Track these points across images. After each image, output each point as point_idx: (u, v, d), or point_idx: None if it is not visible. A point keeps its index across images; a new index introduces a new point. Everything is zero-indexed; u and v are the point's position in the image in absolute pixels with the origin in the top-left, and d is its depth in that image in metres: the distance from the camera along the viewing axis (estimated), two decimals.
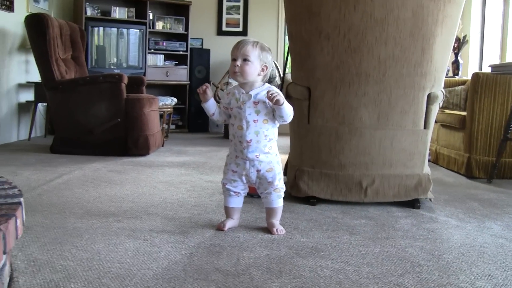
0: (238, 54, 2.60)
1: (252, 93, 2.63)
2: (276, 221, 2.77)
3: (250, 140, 2.63)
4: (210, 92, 2.72)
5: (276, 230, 2.72)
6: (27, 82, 6.73)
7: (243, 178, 2.72)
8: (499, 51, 7.02)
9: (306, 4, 3.24)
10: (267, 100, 2.59)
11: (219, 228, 2.75)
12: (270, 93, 2.53)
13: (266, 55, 2.64)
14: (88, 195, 3.47)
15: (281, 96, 2.54)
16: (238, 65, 2.59)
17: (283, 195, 2.77)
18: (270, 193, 2.73)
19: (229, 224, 2.78)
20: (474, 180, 4.66)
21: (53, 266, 2.14)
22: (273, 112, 2.64)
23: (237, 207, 2.81)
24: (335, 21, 3.17)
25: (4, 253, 1.54)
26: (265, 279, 2.07)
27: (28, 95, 6.79)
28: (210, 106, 2.74)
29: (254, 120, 2.62)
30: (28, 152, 5.48)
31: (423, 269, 2.26)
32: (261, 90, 2.64)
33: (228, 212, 2.81)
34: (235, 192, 2.76)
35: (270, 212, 2.78)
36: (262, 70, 2.64)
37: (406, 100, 3.31)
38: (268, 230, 2.75)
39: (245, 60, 2.59)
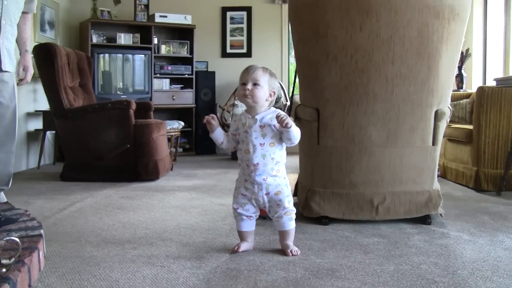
0: (249, 78, 2.65)
1: (258, 117, 2.67)
2: (290, 242, 2.79)
3: (257, 164, 2.66)
4: (215, 122, 2.75)
5: (291, 251, 2.74)
6: (36, 111, 6.78)
7: (253, 201, 2.76)
8: (502, 64, 7.06)
9: (313, 26, 3.29)
10: (273, 123, 2.64)
11: (234, 250, 2.77)
12: (280, 116, 2.56)
13: (274, 81, 2.70)
14: (102, 223, 3.50)
15: (290, 119, 2.58)
16: (249, 89, 2.63)
17: (294, 217, 2.79)
18: (281, 216, 2.75)
19: (244, 246, 2.80)
20: (483, 193, 4.68)
21: None
22: (280, 135, 2.67)
23: (250, 231, 2.83)
24: (342, 42, 3.22)
25: (29, 286, 1.58)
26: None
27: (37, 124, 6.84)
28: (218, 135, 2.79)
29: (260, 144, 2.66)
30: (38, 180, 5.52)
31: (439, 286, 2.28)
32: (266, 114, 2.68)
33: (241, 236, 2.83)
34: (247, 216, 2.78)
35: (283, 234, 2.80)
36: (270, 95, 2.69)
37: (414, 117, 3.34)
38: (283, 252, 2.77)
39: (255, 84, 2.64)
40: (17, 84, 3.60)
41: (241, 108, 8.10)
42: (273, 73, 2.74)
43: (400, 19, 3.18)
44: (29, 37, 3.61)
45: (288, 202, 2.76)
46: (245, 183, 2.74)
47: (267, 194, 2.71)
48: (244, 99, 2.67)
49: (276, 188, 2.72)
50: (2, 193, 3.67)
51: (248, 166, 2.70)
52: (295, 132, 2.63)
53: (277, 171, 2.72)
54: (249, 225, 2.81)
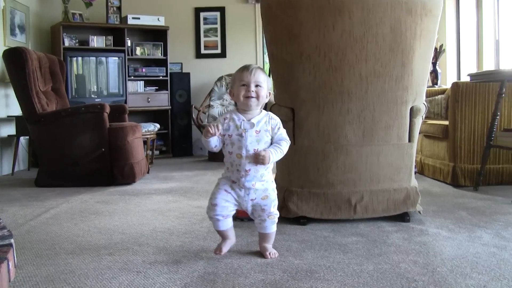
0: (251, 79, 2.58)
1: (254, 121, 2.60)
2: (269, 245, 2.75)
3: (249, 170, 2.60)
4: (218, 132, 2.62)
5: (269, 253, 2.70)
6: (8, 116, 6.68)
7: (236, 202, 2.68)
8: (475, 59, 7.11)
9: (286, 26, 3.26)
10: (267, 129, 2.60)
11: (218, 253, 2.73)
12: (259, 158, 2.55)
13: (270, 81, 2.67)
14: (77, 229, 3.44)
15: (267, 156, 2.56)
16: (253, 91, 2.56)
17: (276, 220, 2.75)
18: (264, 220, 2.70)
19: (227, 246, 2.76)
20: (461, 189, 4.70)
21: None
22: (271, 141, 2.64)
23: (230, 228, 2.76)
24: (315, 42, 3.20)
25: None
26: None
27: (10, 129, 6.74)
28: (215, 140, 2.62)
29: (254, 149, 2.58)
30: (12, 187, 5.43)
31: (419, 285, 2.27)
32: (261, 118, 2.63)
33: (223, 234, 2.77)
34: (223, 215, 2.70)
35: (263, 236, 2.75)
36: (267, 96, 2.65)
37: (390, 115, 3.33)
38: (261, 253, 2.74)
39: (257, 86, 2.58)
40: None
41: (216, 109, 8.07)
42: None
43: (373, 17, 3.17)
44: None
45: (274, 206, 2.71)
46: (232, 184, 2.67)
47: (253, 199, 2.66)
48: (247, 101, 2.58)
49: (264, 193, 2.66)
50: None
51: (238, 171, 2.62)
52: (281, 157, 2.65)
53: (266, 175, 2.67)
54: (227, 223, 2.74)
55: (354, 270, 2.48)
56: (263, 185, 2.66)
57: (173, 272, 2.49)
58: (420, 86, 3.38)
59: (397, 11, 3.18)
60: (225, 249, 2.76)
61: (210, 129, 2.54)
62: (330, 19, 3.17)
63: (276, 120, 2.65)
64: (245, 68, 2.61)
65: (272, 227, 2.73)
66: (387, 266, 2.52)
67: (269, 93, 2.65)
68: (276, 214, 2.73)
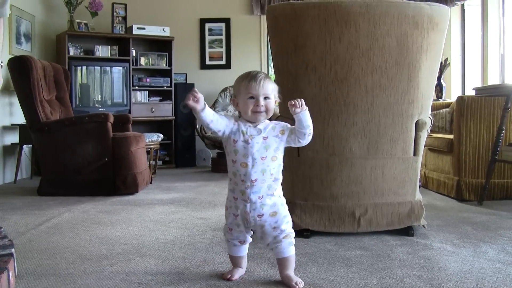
0: (260, 92, 2.37)
1: (261, 127, 2.40)
2: (292, 272, 2.47)
3: (255, 180, 2.36)
4: (203, 98, 2.33)
5: (296, 283, 2.40)
6: (12, 125, 6.68)
7: (245, 222, 2.45)
8: (480, 73, 7.09)
9: (292, 37, 3.25)
10: (275, 133, 2.41)
11: (227, 278, 2.51)
12: (292, 102, 2.36)
13: (276, 88, 2.47)
14: (78, 239, 3.42)
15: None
16: (263, 105, 2.37)
17: (294, 241, 2.47)
18: (279, 241, 2.43)
19: (238, 273, 2.54)
20: (465, 203, 4.67)
21: None
22: (286, 140, 2.43)
23: (243, 256, 2.58)
24: (321, 53, 3.19)
25: None
26: None
27: (13, 138, 6.73)
28: (208, 113, 2.34)
29: (262, 157, 2.36)
30: (15, 195, 5.42)
31: None
32: (267, 124, 2.42)
33: (234, 260, 2.58)
34: (240, 241, 2.52)
35: (283, 262, 2.46)
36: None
37: (395, 128, 3.31)
38: (266, 264, 2.70)
39: (266, 98, 2.39)
40: None
41: None
42: None
43: (379, 29, 3.16)
44: (0, 44, 3.39)
45: (286, 223, 2.45)
46: (235, 202, 2.44)
47: (261, 216, 2.40)
48: (256, 115, 2.39)
49: (272, 209, 2.41)
50: None
51: (243, 182, 2.38)
52: (310, 119, 2.40)
53: (274, 189, 2.43)
54: (241, 250, 2.55)
55: (358, 284, 2.45)
56: (271, 199, 2.41)
57: (175, 284, 2.47)
58: (426, 100, 3.37)
59: (403, 25, 3.17)
60: (236, 276, 2.53)
61: (194, 95, 2.30)
62: (336, 31, 3.16)
63: (282, 122, 2.49)
64: (252, 78, 2.39)
65: (290, 249, 2.45)
66: (391, 281, 2.49)
67: (276, 101, 2.45)
68: (291, 233, 2.47)
